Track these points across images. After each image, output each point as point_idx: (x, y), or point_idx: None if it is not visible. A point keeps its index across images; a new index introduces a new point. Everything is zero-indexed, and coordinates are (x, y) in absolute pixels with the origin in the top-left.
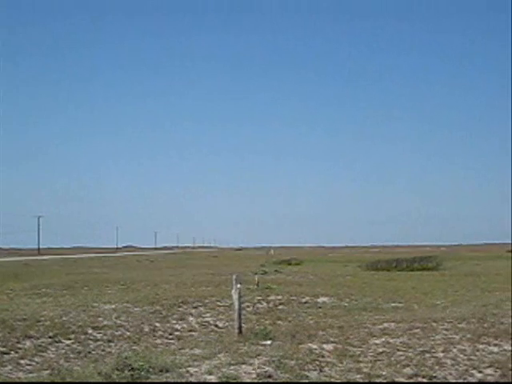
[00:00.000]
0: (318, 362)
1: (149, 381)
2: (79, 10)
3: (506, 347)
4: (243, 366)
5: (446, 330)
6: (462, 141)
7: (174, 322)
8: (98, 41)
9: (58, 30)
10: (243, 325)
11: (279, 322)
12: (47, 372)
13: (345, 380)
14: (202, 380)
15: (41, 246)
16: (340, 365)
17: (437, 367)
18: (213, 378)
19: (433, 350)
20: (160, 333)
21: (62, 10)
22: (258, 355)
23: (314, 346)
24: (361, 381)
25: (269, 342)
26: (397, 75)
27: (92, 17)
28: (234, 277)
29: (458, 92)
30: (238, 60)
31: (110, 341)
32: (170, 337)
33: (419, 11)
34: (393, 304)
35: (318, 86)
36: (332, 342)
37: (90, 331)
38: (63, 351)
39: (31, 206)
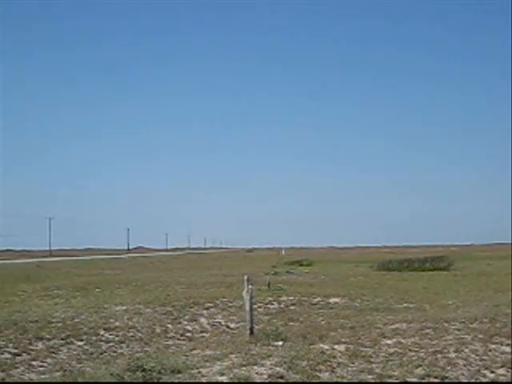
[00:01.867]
0: (329, 363)
1: (161, 381)
2: (78, 8)
3: None
4: (255, 367)
5: (458, 330)
6: (472, 140)
7: (186, 322)
8: (99, 41)
9: (57, 30)
10: (255, 326)
11: (291, 322)
12: (59, 373)
13: (356, 381)
14: (213, 381)
15: (52, 248)
16: (352, 365)
17: (449, 367)
18: (224, 379)
19: (445, 351)
20: (172, 334)
21: (61, 9)
22: (270, 356)
23: (326, 347)
24: (372, 381)
25: (280, 343)
26: (405, 76)
27: (90, 16)
28: (246, 277)
29: (461, 93)
30: (236, 58)
31: (121, 342)
32: (182, 338)
33: (418, 9)
34: (404, 304)
35: (321, 85)
36: (344, 343)
37: (101, 332)
38: (75, 352)
39: (42, 208)
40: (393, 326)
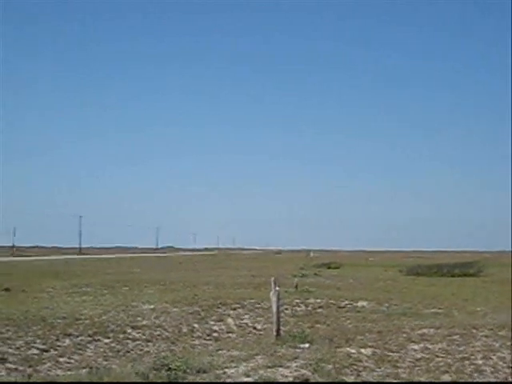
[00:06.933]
0: (355, 367)
1: (185, 381)
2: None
3: None
4: (280, 369)
5: (486, 336)
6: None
7: (213, 323)
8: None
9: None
10: (281, 327)
11: (317, 325)
12: (85, 370)
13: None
14: (238, 382)
15: (82, 246)
16: (378, 370)
17: (476, 374)
18: (250, 380)
19: (472, 357)
20: (198, 334)
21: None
22: (296, 358)
23: (352, 351)
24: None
25: (307, 346)
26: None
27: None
28: (273, 279)
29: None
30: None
31: (148, 341)
32: (208, 338)
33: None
34: (432, 310)
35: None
36: (370, 347)
37: (128, 331)
38: (102, 350)
39: (73, 206)
40: (420, 332)
